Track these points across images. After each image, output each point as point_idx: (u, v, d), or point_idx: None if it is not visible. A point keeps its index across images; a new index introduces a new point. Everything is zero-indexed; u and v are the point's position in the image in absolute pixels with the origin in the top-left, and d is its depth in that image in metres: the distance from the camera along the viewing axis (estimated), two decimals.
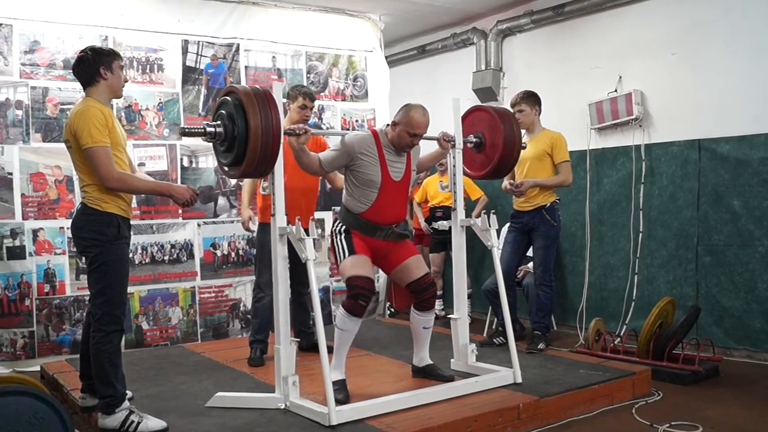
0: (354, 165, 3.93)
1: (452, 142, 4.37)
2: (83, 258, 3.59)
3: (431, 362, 4.31)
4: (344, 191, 4.08)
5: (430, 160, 4.53)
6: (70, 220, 3.77)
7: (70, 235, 4.02)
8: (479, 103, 4.55)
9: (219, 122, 3.46)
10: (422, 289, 4.11)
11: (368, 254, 3.99)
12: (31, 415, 2.91)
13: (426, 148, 4.31)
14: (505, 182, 5.29)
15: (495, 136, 4.48)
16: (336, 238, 4.01)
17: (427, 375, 4.25)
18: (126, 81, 3.66)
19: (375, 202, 3.95)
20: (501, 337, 5.18)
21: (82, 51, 3.58)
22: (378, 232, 4.00)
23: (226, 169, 3.61)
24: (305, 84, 6.25)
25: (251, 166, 3.42)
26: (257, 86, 3.53)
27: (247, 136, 3.35)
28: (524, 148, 4.67)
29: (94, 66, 3.50)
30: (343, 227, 4.00)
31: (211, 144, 3.63)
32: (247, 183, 4.94)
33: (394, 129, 3.96)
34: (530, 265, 5.62)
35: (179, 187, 3.66)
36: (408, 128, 3.89)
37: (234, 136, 3.40)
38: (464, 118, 4.62)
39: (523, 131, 5.28)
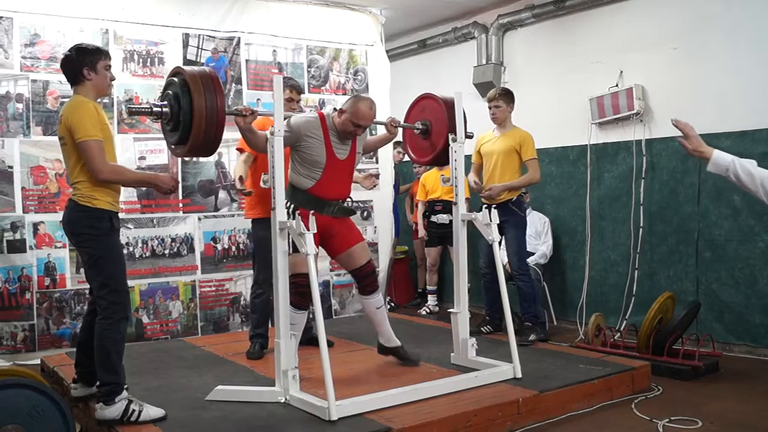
0: (299, 146, 4.07)
1: (399, 127, 4.54)
2: (80, 252, 3.61)
3: (399, 344, 4.49)
4: (290, 170, 4.17)
5: (377, 143, 4.74)
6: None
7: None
8: (428, 92, 4.69)
9: (166, 102, 3.54)
10: (364, 276, 4.34)
11: (316, 242, 3.99)
12: (31, 407, 2.93)
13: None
14: (470, 177, 5.40)
15: (440, 124, 4.55)
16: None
17: (395, 356, 4.48)
18: (113, 80, 3.66)
19: (320, 178, 4.11)
20: (488, 326, 5.40)
21: (68, 50, 3.59)
22: (326, 208, 4.13)
23: (173, 147, 3.68)
24: (306, 78, 6.26)
25: (196, 145, 3.50)
26: (205, 68, 3.61)
27: (191, 117, 3.43)
28: (470, 137, 4.71)
29: (77, 66, 3.51)
30: (292, 206, 4.01)
31: None
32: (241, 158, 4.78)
33: (340, 116, 4.12)
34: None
35: (163, 176, 3.71)
36: (353, 118, 4.06)
37: (179, 115, 3.47)
38: (414, 104, 4.75)
39: (494, 126, 5.42)
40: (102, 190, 3.48)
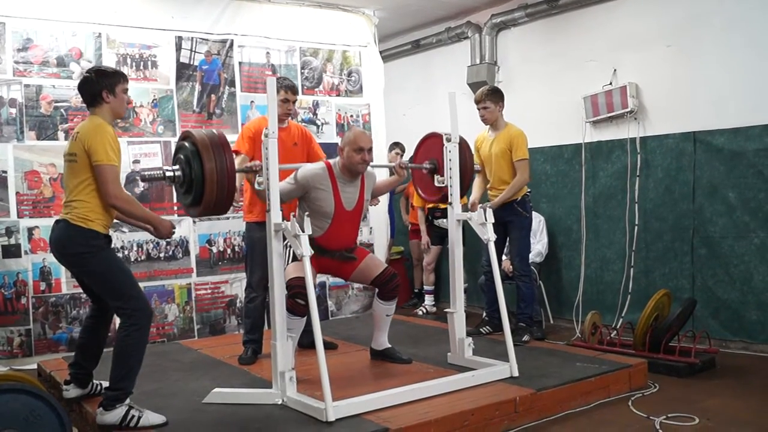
0: (308, 197, 4.16)
1: (407, 168, 4.61)
2: (80, 273, 3.61)
3: (389, 345, 4.60)
4: (298, 211, 4.25)
5: (386, 186, 4.83)
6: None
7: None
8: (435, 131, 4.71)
9: (177, 166, 3.56)
10: (386, 282, 4.39)
11: (314, 264, 4.08)
12: (28, 412, 2.92)
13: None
14: (471, 198, 5.39)
15: None
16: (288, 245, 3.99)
17: (386, 358, 4.56)
18: (129, 103, 3.68)
19: (328, 230, 4.21)
20: (487, 327, 5.38)
21: (87, 71, 3.63)
22: (327, 254, 4.25)
23: (187, 207, 3.70)
24: (300, 80, 6.26)
25: (209, 206, 3.52)
26: (213, 131, 3.60)
27: (203, 180, 3.45)
28: (478, 171, 4.80)
29: (96, 88, 3.53)
30: None
31: None
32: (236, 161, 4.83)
33: (342, 154, 4.19)
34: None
35: (166, 221, 3.76)
36: (353, 145, 4.13)
37: (192, 179, 3.50)
38: (421, 144, 4.75)
39: (487, 127, 5.39)
40: (99, 213, 3.51)
